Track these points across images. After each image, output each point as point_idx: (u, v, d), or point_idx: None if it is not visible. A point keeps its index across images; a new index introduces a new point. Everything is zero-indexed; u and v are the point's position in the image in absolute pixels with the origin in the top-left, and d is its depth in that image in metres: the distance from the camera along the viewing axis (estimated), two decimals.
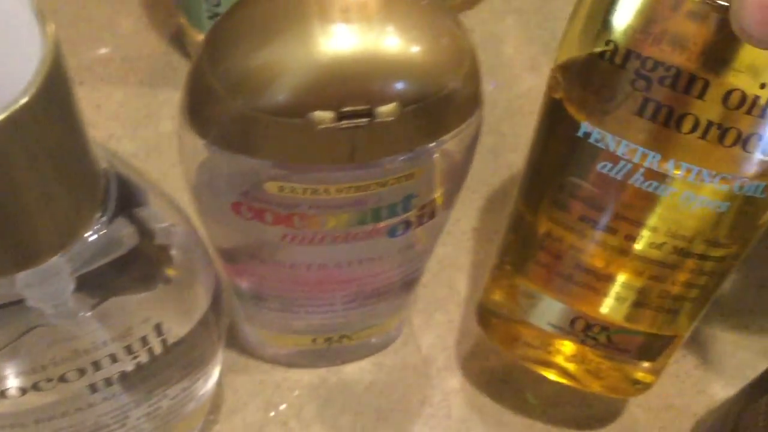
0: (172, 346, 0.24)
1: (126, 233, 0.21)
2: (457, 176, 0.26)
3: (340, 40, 0.20)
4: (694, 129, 0.24)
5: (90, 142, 0.18)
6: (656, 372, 0.31)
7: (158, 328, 0.23)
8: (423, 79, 0.21)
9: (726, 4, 0.22)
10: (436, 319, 0.38)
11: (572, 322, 0.29)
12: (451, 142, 0.24)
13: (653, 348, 0.30)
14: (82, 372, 0.22)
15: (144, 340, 0.23)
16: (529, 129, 0.43)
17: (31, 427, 0.23)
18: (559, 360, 0.31)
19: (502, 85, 0.45)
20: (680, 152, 0.25)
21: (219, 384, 0.35)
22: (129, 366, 0.23)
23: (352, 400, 0.35)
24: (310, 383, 0.35)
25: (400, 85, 0.21)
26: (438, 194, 0.26)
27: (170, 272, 0.24)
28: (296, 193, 0.23)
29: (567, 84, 0.27)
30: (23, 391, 0.22)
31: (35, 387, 0.22)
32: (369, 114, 0.21)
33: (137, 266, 0.23)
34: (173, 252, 0.24)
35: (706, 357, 0.38)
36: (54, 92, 0.16)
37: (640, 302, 0.28)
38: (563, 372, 0.31)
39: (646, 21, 0.24)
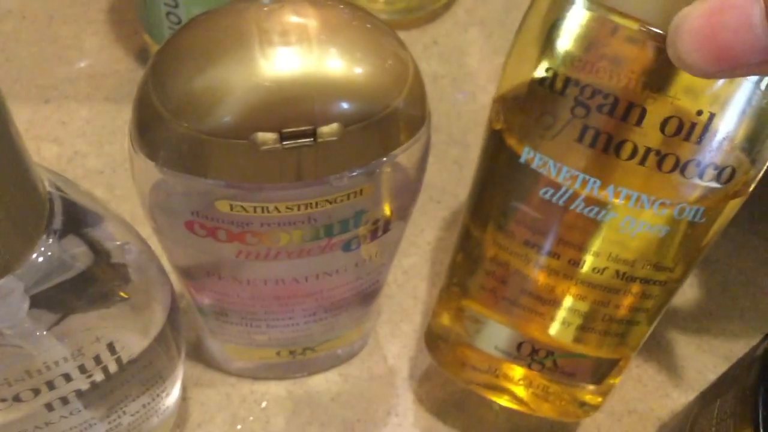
0: (127, 364, 0.24)
1: (78, 253, 0.22)
2: (409, 190, 0.27)
3: (279, 62, 0.20)
4: (632, 155, 0.24)
5: (30, 166, 0.19)
6: (603, 393, 0.31)
7: (111, 347, 0.23)
8: (365, 99, 0.21)
9: (662, 32, 0.22)
10: (402, 329, 0.38)
11: (519, 346, 0.30)
12: (400, 158, 0.24)
13: (599, 371, 0.30)
14: (36, 392, 0.22)
15: (98, 359, 0.23)
16: None
17: None
18: (508, 385, 0.31)
19: (467, 96, 0.46)
20: (620, 178, 0.25)
21: (185, 398, 0.35)
22: (84, 385, 0.23)
23: (318, 412, 0.36)
24: (276, 395, 0.36)
25: (341, 106, 0.21)
26: (390, 208, 0.26)
27: (126, 290, 0.24)
28: (247, 212, 0.23)
29: (508, 112, 0.27)
30: None
31: None
32: (312, 134, 0.21)
33: (93, 285, 0.23)
34: (128, 270, 0.24)
35: (669, 361, 0.38)
36: None
37: (584, 326, 0.29)
38: (512, 397, 0.31)
39: (585, 48, 0.24)
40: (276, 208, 0.23)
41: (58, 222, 0.20)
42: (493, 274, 0.29)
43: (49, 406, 0.23)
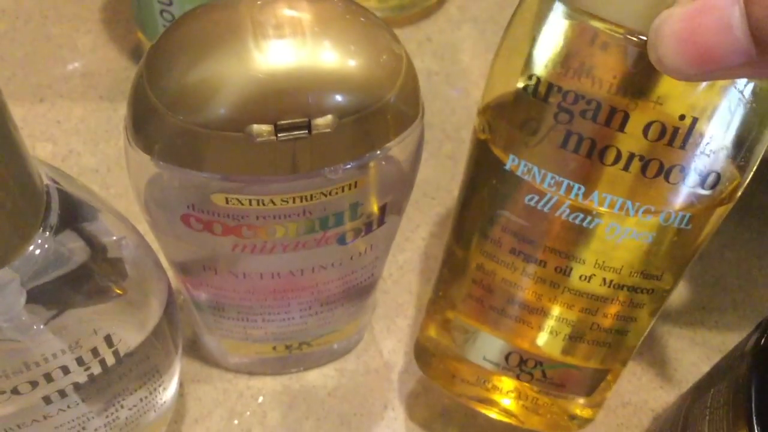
0: (124, 357, 0.24)
1: (75, 247, 0.22)
2: (404, 183, 0.27)
3: (274, 55, 0.20)
4: (616, 161, 0.24)
5: (28, 159, 0.19)
6: (594, 406, 0.31)
7: (109, 339, 0.23)
8: (359, 91, 0.22)
9: (643, 37, 0.22)
10: (397, 324, 0.38)
11: (507, 357, 0.30)
12: (394, 150, 0.24)
13: (588, 383, 0.30)
14: (34, 384, 0.22)
15: (95, 352, 0.23)
16: None
17: None
18: (498, 397, 0.31)
19: (461, 92, 0.46)
20: (604, 184, 0.25)
21: (182, 394, 0.35)
22: (82, 377, 0.23)
23: (315, 406, 0.36)
24: (273, 390, 0.36)
25: (335, 98, 0.21)
26: (385, 201, 0.26)
27: (122, 285, 0.24)
28: (242, 205, 0.24)
29: (493, 121, 0.27)
30: None
31: None
32: (306, 126, 0.21)
33: (90, 280, 0.23)
34: (125, 265, 0.24)
35: (663, 354, 0.38)
36: None
37: (572, 336, 0.29)
38: (502, 410, 0.31)
39: (566, 55, 0.24)
40: (271, 201, 0.24)
41: (55, 215, 0.20)
42: (480, 283, 0.29)
43: (47, 399, 0.23)
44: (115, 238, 0.24)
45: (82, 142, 0.42)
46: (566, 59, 0.24)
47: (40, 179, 0.20)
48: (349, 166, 0.23)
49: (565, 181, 0.25)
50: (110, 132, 0.42)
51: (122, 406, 0.26)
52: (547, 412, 0.31)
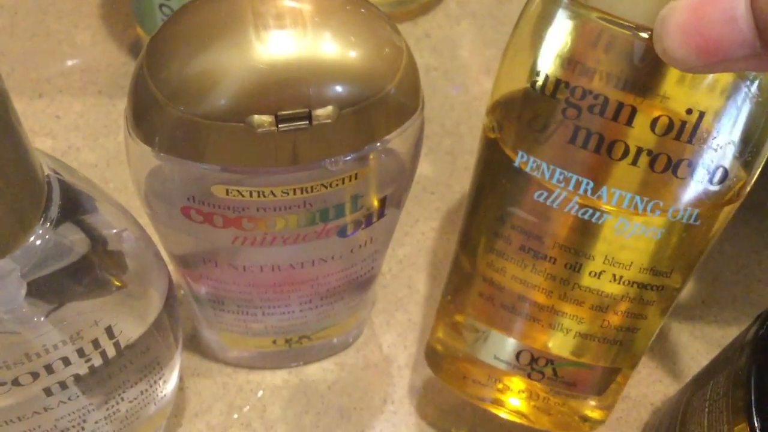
0: (125, 349, 0.24)
1: (75, 239, 0.22)
2: (404, 176, 0.27)
3: (274, 45, 0.20)
4: (624, 156, 0.25)
5: (29, 150, 0.19)
6: (606, 408, 0.31)
7: (110, 331, 0.23)
8: (359, 82, 0.22)
9: (649, 31, 0.23)
10: (397, 319, 0.38)
11: (518, 355, 0.30)
12: (394, 142, 0.24)
13: (599, 382, 0.30)
14: (35, 376, 0.22)
15: (96, 343, 0.23)
16: None
17: None
18: (509, 397, 0.31)
19: (459, 88, 0.46)
20: (613, 179, 0.25)
21: (182, 388, 0.35)
22: (82, 369, 0.23)
23: (315, 400, 0.36)
24: (272, 384, 0.36)
25: (336, 89, 0.21)
26: (385, 194, 0.26)
27: (123, 278, 0.24)
28: (243, 196, 0.24)
29: (502, 119, 0.27)
30: None
31: None
32: (307, 117, 0.21)
33: (90, 273, 0.23)
34: (125, 258, 0.24)
35: (662, 348, 0.38)
36: None
37: (583, 333, 0.29)
38: (513, 410, 0.31)
39: (573, 50, 0.25)
40: (272, 193, 0.24)
41: (55, 206, 0.20)
42: (490, 281, 0.29)
43: (47, 391, 0.23)
44: (115, 230, 0.24)
45: (82, 137, 0.42)
46: (573, 55, 0.25)
47: (41, 170, 0.20)
48: (349, 157, 0.23)
49: (574, 177, 0.25)
50: (109, 127, 0.42)
51: (122, 399, 0.26)
52: (558, 413, 0.31)
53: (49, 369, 0.22)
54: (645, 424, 0.36)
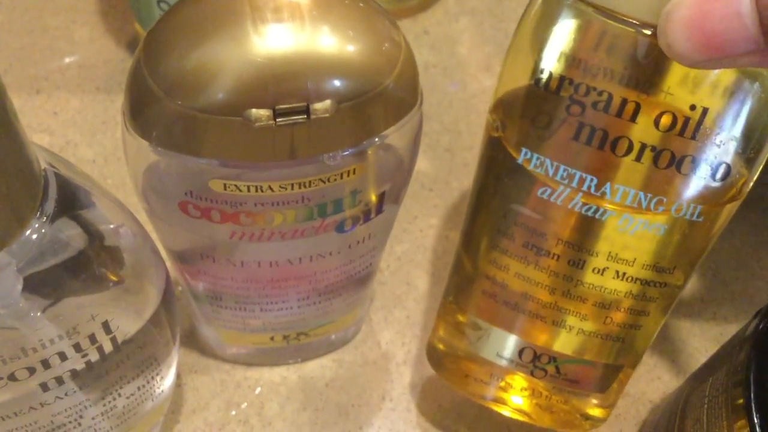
0: (122, 344, 0.24)
1: (72, 234, 0.22)
2: (402, 171, 0.27)
3: (272, 39, 0.20)
4: (628, 152, 0.25)
5: (26, 144, 0.19)
6: (607, 406, 0.31)
7: (106, 326, 0.23)
8: (357, 77, 0.22)
9: (653, 27, 0.23)
10: (395, 316, 0.38)
11: (520, 352, 0.30)
12: (392, 138, 0.24)
13: (602, 379, 0.30)
14: (31, 371, 0.22)
15: (92, 338, 0.23)
16: (484, 127, 0.44)
17: None
18: (511, 395, 0.31)
19: (458, 85, 0.46)
20: (616, 176, 0.25)
21: (179, 384, 0.35)
22: (79, 364, 0.23)
23: (312, 397, 0.36)
24: (270, 381, 0.36)
25: (334, 83, 0.21)
26: (383, 189, 0.26)
27: (120, 273, 0.24)
28: (240, 191, 0.24)
29: (505, 116, 0.27)
30: None
31: None
32: (305, 111, 0.21)
33: (87, 268, 0.23)
34: (122, 253, 0.24)
35: (661, 345, 0.38)
36: None
37: (585, 330, 0.29)
38: (515, 408, 0.31)
39: (577, 47, 0.25)
40: (270, 187, 0.24)
41: (52, 200, 0.20)
42: (493, 278, 0.29)
43: (44, 386, 0.23)
44: (112, 226, 0.24)
45: (79, 134, 0.42)
46: (577, 52, 0.24)
47: (37, 163, 0.20)
48: (347, 152, 0.23)
49: (578, 174, 0.25)
50: (107, 123, 0.42)
51: (119, 395, 0.26)
52: (560, 411, 0.31)
53: (45, 364, 0.22)
54: (644, 421, 0.36)
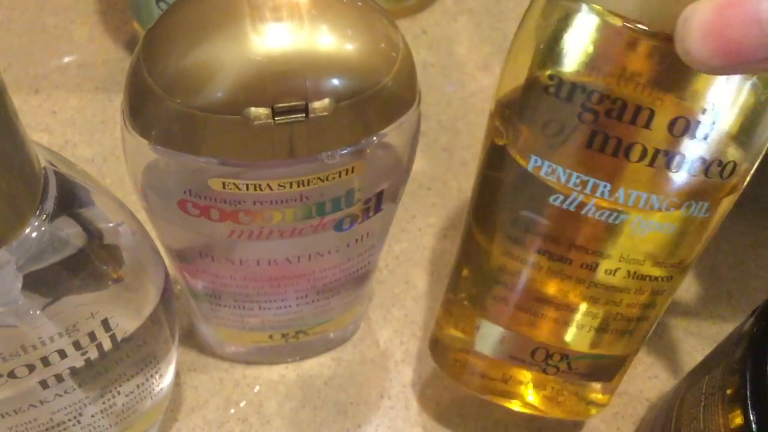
0: (121, 342, 0.24)
1: (71, 233, 0.22)
2: (400, 170, 0.27)
3: (271, 38, 0.20)
4: (642, 157, 0.24)
5: (26, 142, 0.19)
6: (610, 391, 0.32)
7: (106, 324, 0.23)
8: (355, 75, 0.22)
9: (667, 33, 0.22)
10: (393, 314, 0.38)
11: (533, 353, 0.30)
12: (391, 136, 0.24)
13: (610, 369, 0.31)
14: (31, 368, 0.22)
15: (92, 336, 0.23)
16: (482, 127, 0.44)
17: None
18: (519, 390, 0.31)
19: (456, 84, 0.46)
20: (629, 181, 0.25)
21: (178, 383, 0.35)
22: (78, 362, 0.23)
23: (311, 395, 0.36)
24: (269, 379, 0.36)
25: (332, 81, 0.21)
26: (382, 188, 0.26)
27: (119, 272, 0.24)
28: (239, 189, 0.24)
29: (510, 123, 0.27)
30: None
31: None
32: (304, 110, 0.21)
33: (87, 265, 0.23)
34: (121, 252, 0.24)
35: (658, 344, 0.39)
36: None
37: (598, 328, 0.29)
38: (524, 401, 0.31)
39: (590, 54, 0.24)
40: (268, 186, 0.24)
41: (51, 198, 0.20)
42: (504, 283, 0.29)
43: (43, 384, 0.23)
44: (112, 224, 0.24)
45: (78, 133, 0.42)
46: (590, 59, 0.24)
47: (37, 162, 0.20)
48: (345, 151, 0.23)
49: (591, 180, 0.25)
50: (106, 122, 0.42)
51: (119, 393, 0.26)
52: (567, 400, 0.31)
53: (45, 361, 0.22)
54: (641, 419, 0.36)
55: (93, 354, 0.24)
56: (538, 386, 0.31)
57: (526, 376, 0.31)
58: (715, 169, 0.25)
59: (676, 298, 0.40)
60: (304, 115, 0.21)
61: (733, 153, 0.25)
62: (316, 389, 0.36)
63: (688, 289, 0.40)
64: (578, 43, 0.24)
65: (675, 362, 0.38)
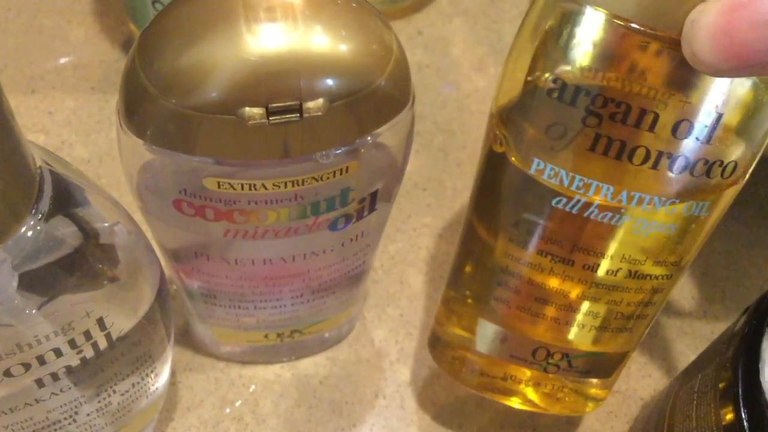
0: (117, 341, 0.24)
1: (67, 232, 0.22)
2: (394, 170, 0.27)
3: (266, 38, 0.21)
4: (645, 160, 0.24)
5: (21, 141, 0.19)
6: (609, 386, 0.32)
7: (101, 323, 0.23)
8: (349, 75, 0.22)
9: (672, 36, 0.22)
10: (388, 314, 0.38)
11: (534, 352, 0.30)
12: (385, 136, 0.25)
13: (610, 365, 0.31)
14: (27, 366, 0.22)
15: (87, 335, 0.23)
16: (477, 127, 0.45)
17: None
18: (519, 387, 0.31)
19: (451, 87, 0.46)
20: (633, 183, 0.25)
21: (174, 382, 0.35)
22: (74, 361, 0.24)
23: (307, 394, 0.36)
24: (264, 379, 0.36)
25: (326, 81, 0.21)
26: (376, 188, 0.27)
27: (114, 271, 0.24)
28: (234, 189, 0.24)
29: (511, 125, 0.27)
30: None
31: None
32: (298, 110, 0.21)
33: (82, 265, 0.23)
34: (117, 251, 0.24)
35: (652, 343, 0.39)
36: None
37: (599, 327, 0.29)
38: (523, 399, 0.31)
39: (594, 58, 0.24)
40: (263, 186, 0.24)
41: (47, 197, 0.20)
42: (505, 285, 0.29)
43: (39, 382, 0.23)
44: (107, 224, 0.24)
45: (74, 134, 0.42)
46: (593, 62, 0.24)
47: (33, 161, 0.20)
48: (340, 150, 0.24)
49: (594, 183, 0.25)
50: (102, 123, 0.42)
51: (114, 392, 0.27)
52: (566, 396, 0.31)
53: (40, 360, 0.23)
54: (635, 418, 0.37)
55: (88, 353, 0.24)
56: (537, 384, 0.31)
57: (525, 374, 0.31)
58: (717, 169, 0.25)
59: (670, 297, 0.40)
60: (298, 115, 0.22)
61: (735, 153, 0.25)
62: (312, 389, 0.36)
63: (682, 288, 0.41)
64: (582, 47, 0.24)
65: (668, 361, 0.38)
